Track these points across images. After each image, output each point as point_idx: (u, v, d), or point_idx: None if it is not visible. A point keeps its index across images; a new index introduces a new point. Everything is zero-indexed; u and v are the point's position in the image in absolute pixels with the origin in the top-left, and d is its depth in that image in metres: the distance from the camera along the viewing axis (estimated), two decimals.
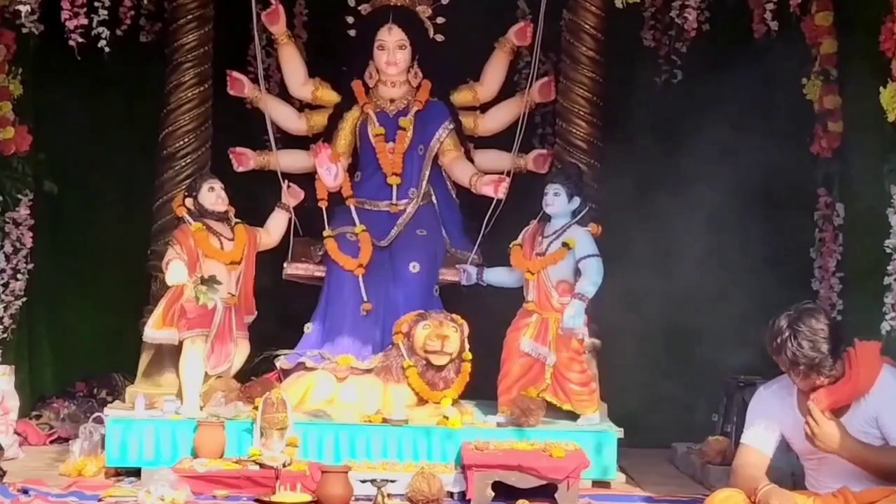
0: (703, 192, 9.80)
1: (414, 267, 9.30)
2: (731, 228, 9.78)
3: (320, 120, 9.66)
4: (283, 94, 9.78)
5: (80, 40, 8.31)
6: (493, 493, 7.66)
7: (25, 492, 7.53)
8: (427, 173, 9.50)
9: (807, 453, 6.36)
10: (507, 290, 9.09)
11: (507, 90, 9.72)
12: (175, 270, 8.64)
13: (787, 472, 6.81)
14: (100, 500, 7.43)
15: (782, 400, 6.34)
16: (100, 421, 8.56)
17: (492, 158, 9.59)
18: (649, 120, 10.03)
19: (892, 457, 5.85)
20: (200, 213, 8.89)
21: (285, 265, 9.42)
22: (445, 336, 8.55)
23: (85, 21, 8.30)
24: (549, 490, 7.62)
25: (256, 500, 7.49)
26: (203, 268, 8.73)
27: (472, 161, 9.58)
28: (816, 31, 9.01)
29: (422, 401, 8.62)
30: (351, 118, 9.59)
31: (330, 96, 9.65)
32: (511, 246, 8.98)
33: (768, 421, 6.40)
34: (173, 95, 9.30)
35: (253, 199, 9.35)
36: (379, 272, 9.34)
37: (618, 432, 8.36)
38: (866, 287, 8.03)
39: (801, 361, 5.98)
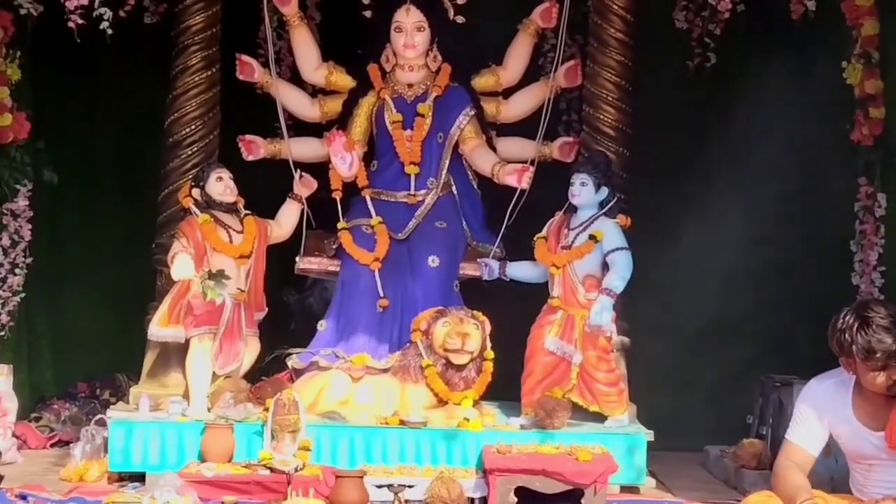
0: (738, 183, 9.82)
1: (433, 261, 9.29)
2: (766, 220, 9.78)
3: (334, 106, 9.66)
4: (296, 78, 9.80)
5: (81, 22, 8.33)
6: (515, 499, 7.63)
7: (24, 497, 7.54)
8: (447, 162, 9.49)
9: (858, 458, 6.34)
10: (531, 286, 9.08)
11: (532, 74, 9.72)
12: (181, 265, 8.63)
13: (827, 476, 6.78)
14: None
15: (836, 397, 6.29)
16: (102, 423, 8.58)
17: (515, 147, 9.59)
18: (681, 106, 10.03)
19: None
20: (208, 205, 8.89)
21: (297, 259, 9.42)
22: (466, 334, 8.54)
23: (85, 1, 8.31)
24: (575, 496, 7.60)
25: None
26: (211, 262, 8.73)
27: (494, 149, 9.57)
28: (857, 11, 8.98)
29: (441, 402, 8.62)
30: (367, 104, 9.59)
31: (344, 81, 9.65)
32: (535, 239, 8.97)
33: (818, 418, 6.35)
34: (179, 80, 9.31)
35: (263, 189, 9.33)
36: (396, 266, 9.34)
37: (648, 435, 8.34)
38: None
39: (878, 348, 5.94)
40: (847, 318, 6.00)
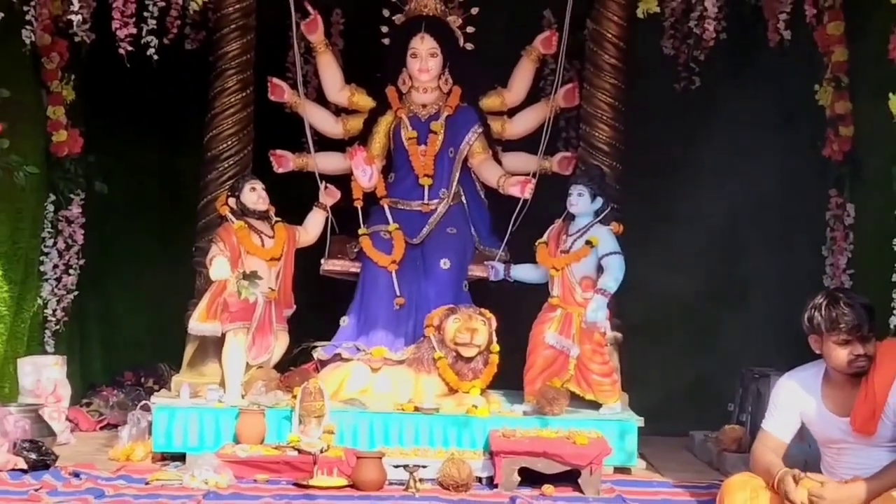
0: (720, 193, 9.82)
1: (444, 263, 9.30)
2: (746, 227, 9.79)
3: (356, 124, 9.66)
4: (321, 99, 9.79)
5: (130, 49, 8.34)
6: (519, 479, 7.65)
7: (77, 475, 7.57)
8: (457, 175, 9.50)
9: (828, 442, 6.38)
10: (533, 286, 9.09)
11: (533, 96, 9.72)
12: (218, 266, 8.65)
13: (801, 459, 6.77)
14: (147, 483, 7.43)
15: (806, 389, 6.34)
16: (147, 408, 8.59)
17: (518, 160, 9.59)
18: (669, 124, 10.03)
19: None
20: (242, 212, 8.90)
21: (322, 261, 9.44)
22: (474, 329, 8.55)
23: (134, 30, 8.35)
24: (572, 476, 7.60)
25: (295, 485, 7.49)
26: (245, 264, 8.74)
27: (499, 163, 9.58)
28: (828, 39, 8.98)
29: (452, 390, 8.62)
30: (385, 122, 9.59)
31: (365, 101, 9.65)
32: (537, 244, 8.97)
33: (790, 409, 6.41)
34: (217, 101, 9.31)
35: (292, 198, 9.34)
36: (411, 268, 9.35)
37: (638, 421, 8.34)
38: (875, 284, 8.00)
39: (842, 321, 6.00)
40: (818, 299, 6.14)
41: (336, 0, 10.22)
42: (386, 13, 9.61)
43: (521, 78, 9.65)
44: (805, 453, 6.70)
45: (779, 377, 6.65)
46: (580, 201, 8.74)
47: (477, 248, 9.46)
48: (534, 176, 9.32)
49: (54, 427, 8.58)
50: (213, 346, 8.79)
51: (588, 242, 8.69)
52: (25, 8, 7.97)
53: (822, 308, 6.14)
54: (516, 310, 8.98)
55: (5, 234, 8.53)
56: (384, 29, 9.63)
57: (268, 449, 7.92)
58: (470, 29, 9.57)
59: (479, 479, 7.79)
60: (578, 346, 8.59)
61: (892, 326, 7.64)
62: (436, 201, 9.43)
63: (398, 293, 9.26)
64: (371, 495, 7.24)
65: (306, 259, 9.33)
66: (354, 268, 9.46)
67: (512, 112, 9.70)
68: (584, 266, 8.71)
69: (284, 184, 9.44)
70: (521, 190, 9.22)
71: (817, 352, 6.28)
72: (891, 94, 7.63)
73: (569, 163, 9.44)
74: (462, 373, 8.61)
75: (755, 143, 9.69)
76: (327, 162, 9.59)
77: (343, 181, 9.48)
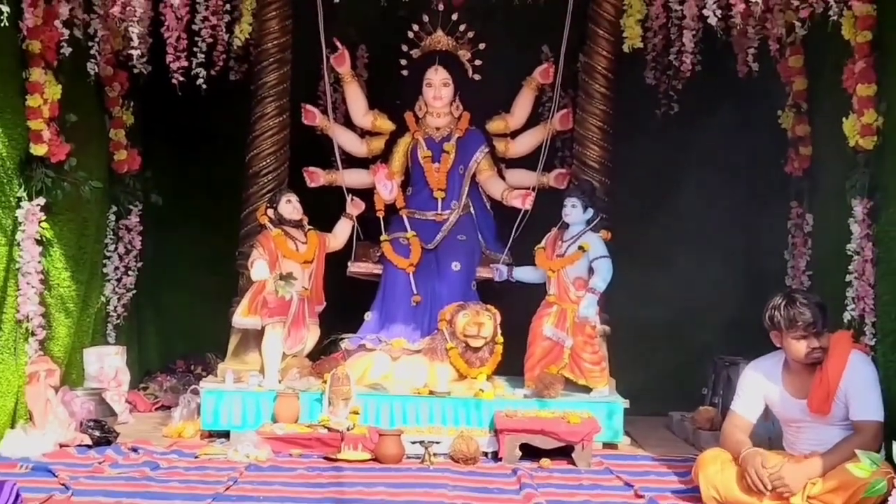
0: (696, 204, 9.83)
1: (455, 266, 9.33)
2: (718, 234, 9.78)
3: (378, 144, 9.67)
4: (348, 122, 9.78)
5: (181, 79, 8.35)
6: (520, 453, 7.67)
7: (135, 450, 7.61)
8: (466, 189, 9.51)
9: (788, 421, 6.46)
10: (532, 285, 9.09)
11: (533, 120, 9.70)
12: (259, 268, 8.68)
13: (765, 437, 6.81)
14: (196, 457, 7.47)
15: (769, 376, 6.42)
16: (196, 392, 8.62)
17: (520, 176, 9.58)
18: (651, 144, 10.03)
19: (847, 449, 5.89)
20: (280, 221, 8.94)
21: (349, 264, 9.47)
22: (481, 323, 8.57)
23: (185, 63, 8.35)
24: (567, 451, 7.64)
25: (325, 458, 7.52)
26: (282, 266, 8.77)
27: (503, 178, 9.58)
28: (790, 71, 9.01)
29: (461, 376, 8.63)
30: (404, 143, 9.61)
31: (386, 125, 9.66)
32: (536, 249, 8.99)
33: (755, 393, 6.49)
34: (257, 124, 9.32)
35: (322, 209, 9.37)
36: (426, 270, 9.38)
37: (624, 403, 8.36)
38: (831, 283, 8.00)
39: (800, 319, 6.10)
40: (777, 300, 6.25)
41: (361, 37, 10.22)
42: (405, 48, 9.62)
43: (522, 104, 9.66)
44: (769, 431, 6.73)
45: (746, 365, 6.71)
46: (573, 212, 8.77)
47: (484, 253, 9.47)
48: (533, 189, 9.36)
49: (115, 408, 8.62)
50: (253, 338, 8.80)
51: (580, 248, 8.71)
52: (90, 44, 8.00)
53: (782, 308, 6.23)
54: (518, 306, 8.98)
55: (73, 241, 8.55)
56: (403, 62, 9.63)
57: (301, 427, 7.96)
58: (478, 62, 9.57)
59: (486, 454, 7.82)
60: (572, 337, 8.60)
61: (845, 321, 7.64)
62: (448, 212, 9.45)
63: (415, 292, 9.30)
64: (391, 467, 7.26)
65: (335, 262, 9.36)
66: (377, 270, 9.49)
67: (514, 134, 9.68)
68: (577, 268, 8.73)
69: (316, 196, 9.47)
70: (523, 202, 9.27)
71: (778, 345, 6.35)
72: (844, 119, 7.64)
73: (564, 178, 9.43)
74: (471, 361, 8.63)
75: (726, 161, 9.70)
76: (353, 177, 9.60)
77: (367, 194, 9.49)
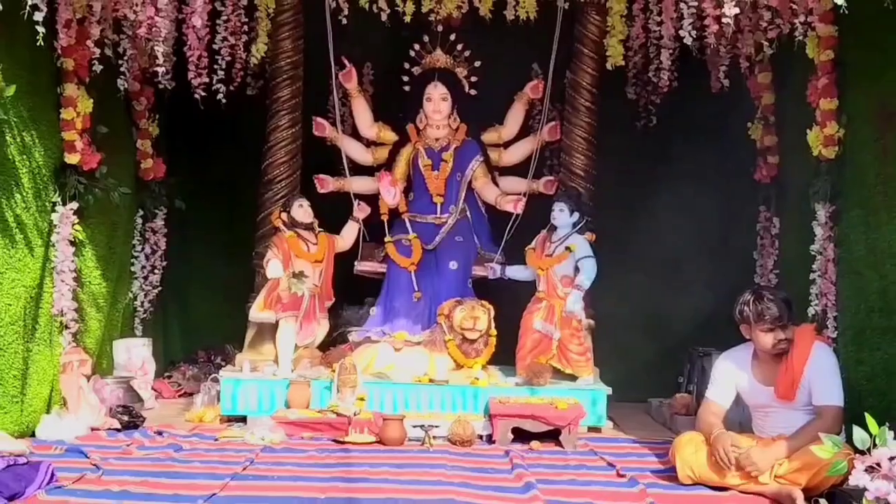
0: (673, 209, 9.82)
1: (453, 265, 9.34)
2: (693, 236, 9.77)
3: (383, 154, 9.66)
4: (355, 134, 9.77)
5: (203, 94, 8.36)
6: (512, 436, 7.68)
7: (160, 433, 7.63)
8: (463, 194, 9.50)
9: (757, 407, 6.48)
10: (523, 283, 9.09)
11: (524, 131, 9.69)
12: (273, 267, 8.69)
13: (736, 421, 6.81)
14: (216, 440, 7.49)
15: (739, 365, 6.45)
16: (216, 380, 8.63)
17: (512, 183, 9.57)
18: (632, 154, 10.04)
19: (811, 432, 5.90)
20: (292, 224, 8.94)
21: (356, 263, 9.46)
22: (477, 317, 8.58)
23: (206, 80, 8.37)
24: (555, 434, 7.65)
25: (334, 441, 7.53)
26: (294, 265, 8.78)
27: (497, 185, 9.57)
28: (759, 87, 9.02)
29: (458, 366, 8.63)
30: (406, 152, 9.59)
31: (390, 136, 9.65)
32: (527, 249, 8.98)
33: (727, 382, 6.51)
34: (272, 135, 9.32)
35: (332, 213, 9.37)
36: (426, 269, 9.38)
37: (607, 390, 8.37)
38: (796, 281, 8.02)
39: (767, 314, 6.13)
40: (746, 295, 6.29)
41: (367, 56, 10.21)
42: (407, 66, 9.63)
43: (514, 117, 9.65)
44: (740, 416, 6.73)
45: (718, 356, 6.73)
46: (561, 216, 8.78)
47: (479, 253, 9.45)
48: (524, 195, 9.36)
49: (142, 395, 8.62)
50: (269, 331, 8.80)
51: (567, 248, 8.72)
52: (120, 62, 8.00)
53: (750, 303, 6.25)
54: (510, 302, 8.98)
55: (103, 242, 8.56)
56: (405, 78, 9.64)
57: (312, 413, 7.95)
58: (474, 78, 9.58)
59: (481, 437, 7.81)
60: (559, 330, 8.61)
61: (809, 315, 7.66)
62: (446, 215, 9.43)
63: (416, 289, 9.30)
64: (394, 449, 7.28)
65: (343, 261, 9.36)
66: (381, 268, 9.49)
67: (507, 144, 9.67)
68: (564, 267, 8.73)
69: (326, 201, 9.46)
70: (515, 206, 9.27)
71: (747, 337, 6.37)
72: (808, 131, 7.65)
73: (552, 185, 9.43)
74: (467, 352, 8.63)
75: (701, 169, 9.68)
76: (360, 184, 9.60)
77: (372, 199, 9.49)
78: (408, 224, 9.49)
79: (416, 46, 9.60)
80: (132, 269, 9.51)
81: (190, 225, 10.44)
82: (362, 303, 9.64)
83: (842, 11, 5.70)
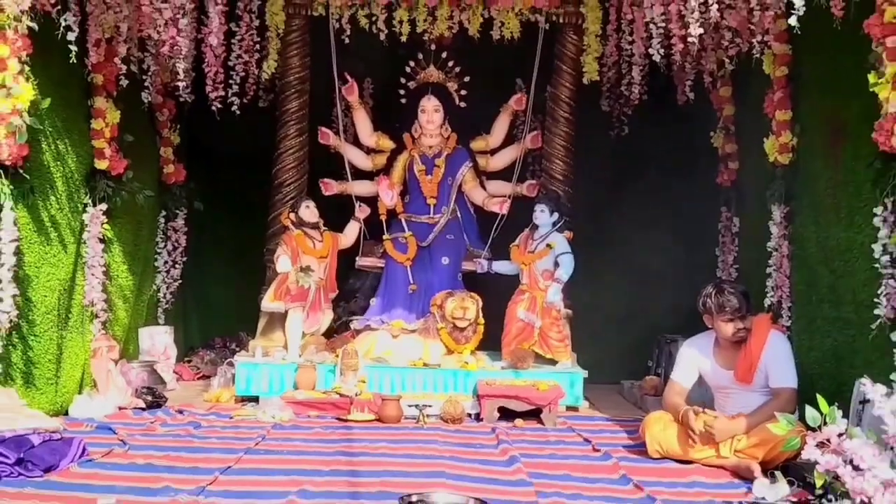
0: (643, 210, 9.84)
1: (445, 260, 9.32)
2: (661, 234, 9.76)
3: (381, 160, 9.64)
4: (356, 142, 9.75)
5: (219, 106, 8.38)
6: (498, 414, 7.70)
7: (181, 412, 7.63)
8: (454, 197, 9.47)
9: (719, 388, 6.49)
10: (508, 276, 9.08)
11: (509, 140, 9.66)
12: (283, 262, 8.70)
13: (700, 401, 6.80)
14: (231, 417, 7.49)
15: (702, 350, 6.46)
16: (231, 364, 8.63)
17: (498, 186, 9.56)
18: (607, 160, 10.03)
19: (768, 411, 5.90)
20: (300, 224, 8.93)
21: (357, 259, 9.45)
22: (466, 307, 8.60)
23: (222, 93, 8.37)
24: (536, 412, 7.67)
25: (337, 419, 7.54)
26: (301, 260, 8.76)
27: (484, 188, 9.55)
28: (720, 99, 9.02)
29: (450, 352, 8.64)
30: (402, 159, 9.57)
31: (388, 144, 9.63)
32: (511, 246, 8.98)
33: (691, 365, 6.52)
34: (281, 144, 9.33)
35: (335, 213, 9.36)
36: (421, 264, 9.36)
37: (583, 373, 8.38)
38: (754, 275, 8.03)
39: (727, 306, 6.15)
40: (708, 289, 6.31)
41: (367, 71, 10.18)
42: (403, 81, 9.61)
43: (500, 127, 9.63)
44: (703, 396, 6.74)
45: (683, 342, 6.73)
46: (542, 216, 8.77)
47: (468, 249, 9.43)
48: (509, 197, 9.36)
49: (164, 377, 8.61)
50: (279, 320, 8.79)
51: (548, 245, 8.71)
52: (144, 77, 7.99)
53: (713, 296, 6.26)
54: (496, 293, 8.98)
55: (130, 240, 8.55)
56: (402, 92, 9.62)
57: (318, 393, 7.96)
58: (463, 92, 9.55)
59: (470, 415, 7.83)
60: (541, 319, 8.60)
61: (766, 306, 7.66)
62: (438, 216, 9.41)
63: (412, 282, 9.28)
64: (392, 426, 7.30)
65: (346, 257, 9.35)
66: (380, 263, 9.47)
67: (493, 152, 9.64)
68: (545, 262, 8.72)
69: (330, 203, 9.45)
70: (500, 207, 9.28)
71: (709, 326, 6.38)
72: (765, 139, 7.66)
73: (534, 188, 9.42)
74: (457, 339, 8.64)
75: (668, 173, 9.69)
76: (360, 187, 9.58)
77: (372, 201, 9.47)
78: (404, 223, 9.47)
79: (412, 63, 9.57)
80: (155, 263, 9.50)
81: (208, 224, 10.41)
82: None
83: (795, 32, 5.69)
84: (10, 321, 6.40)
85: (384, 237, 9.45)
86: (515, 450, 6.41)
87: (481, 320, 8.74)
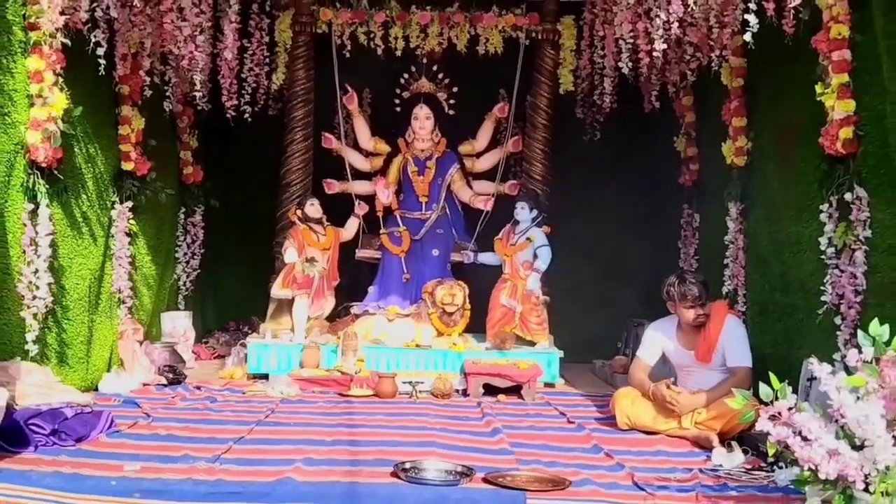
0: (613, 207, 9.85)
1: (435, 252, 9.32)
2: (630, 228, 9.79)
3: (378, 162, 9.61)
4: (356, 146, 9.72)
5: (233, 113, 8.36)
6: (483, 390, 7.71)
7: (199, 388, 7.62)
8: (443, 195, 9.45)
9: (681, 367, 6.50)
10: (492, 267, 9.08)
11: (493, 144, 9.65)
12: (290, 254, 8.70)
13: (663, 378, 6.81)
14: (243, 393, 7.47)
15: (665, 333, 6.48)
16: (244, 345, 8.62)
17: (483, 185, 9.54)
18: (581, 162, 10.02)
19: (725, 387, 5.92)
20: (305, 219, 8.91)
21: (357, 251, 9.44)
22: (454, 294, 8.59)
23: (236, 102, 8.35)
24: (517, 388, 7.67)
25: (339, 394, 7.53)
26: (307, 252, 8.75)
27: (471, 187, 9.54)
28: (683, 107, 9.02)
29: (440, 334, 8.64)
30: (397, 161, 9.55)
31: (385, 148, 9.60)
32: (495, 239, 8.98)
33: (655, 345, 6.53)
34: (288, 148, 9.32)
35: (337, 209, 9.35)
36: (414, 255, 9.36)
37: (560, 354, 8.39)
38: (713, 266, 8.04)
39: (689, 294, 6.16)
40: (671, 278, 6.34)
41: (366, 82, 10.16)
42: (398, 91, 9.59)
43: (485, 133, 9.60)
44: (667, 374, 6.75)
45: (649, 325, 6.74)
46: (522, 212, 8.78)
47: (456, 242, 9.42)
48: (493, 196, 9.37)
49: (184, 357, 8.60)
50: (286, 305, 8.76)
51: (528, 239, 8.71)
52: (166, 88, 7.97)
53: (675, 285, 6.27)
54: (482, 282, 8.98)
55: (153, 234, 8.53)
56: (396, 101, 9.61)
57: (322, 371, 7.95)
58: (452, 101, 9.53)
59: (457, 391, 7.83)
60: (521, 305, 8.61)
61: (723, 293, 7.68)
62: (429, 212, 9.40)
63: (405, 271, 9.28)
64: (388, 401, 7.30)
65: (346, 249, 9.34)
66: (377, 255, 9.47)
67: (479, 155, 9.62)
68: (525, 254, 8.72)
69: (332, 201, 9.44)
70: (485, 205, 9.30)
71: (672, 311, 6.39)
72: (723, 143, 7.68)
73: (515, 187, 9.42)
74: (447, 322, 8.64)
75: (636, 174, 9.69)
76: (360, 186, 9.56)
77: (370, 199, 9.46)
78: (399, 219, 9.46)
79: (406, 75, 9.54)
80: (176, 255, 9.47)
81: (223, 220, 10.39)
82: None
83: (750, 47, 5.73)
84: (46, 307, 6.45)
85: (381, 231, 9.44)
86: (498, 422, 6.41)
87: (468, 306, 8.73)
